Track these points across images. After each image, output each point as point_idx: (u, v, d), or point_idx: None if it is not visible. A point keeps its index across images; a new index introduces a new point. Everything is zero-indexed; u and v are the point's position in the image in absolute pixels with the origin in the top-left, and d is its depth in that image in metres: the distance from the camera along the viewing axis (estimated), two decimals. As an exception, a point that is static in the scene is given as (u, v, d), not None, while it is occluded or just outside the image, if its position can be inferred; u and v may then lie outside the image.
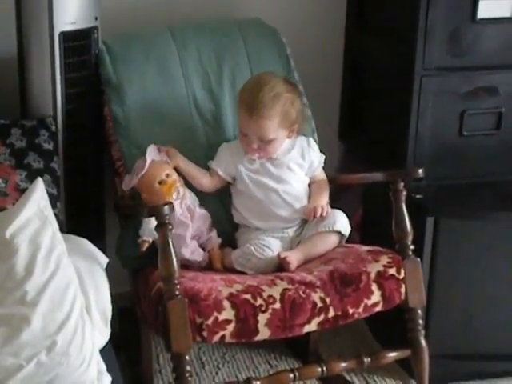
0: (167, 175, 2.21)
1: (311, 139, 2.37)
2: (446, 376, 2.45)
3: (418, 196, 2.37)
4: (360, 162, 2.68)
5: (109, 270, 2.10)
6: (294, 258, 2.17)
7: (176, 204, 2.13)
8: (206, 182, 2.31)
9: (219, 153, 2.33)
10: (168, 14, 2.58)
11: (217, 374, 2.51)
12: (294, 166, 2.29)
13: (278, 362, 2.58)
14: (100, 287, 1.97)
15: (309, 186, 2.33)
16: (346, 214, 2.29)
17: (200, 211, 2.25)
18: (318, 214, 2.23)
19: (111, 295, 2.00)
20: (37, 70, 2.32)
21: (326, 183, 2.35)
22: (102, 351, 1.88)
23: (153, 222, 2.04)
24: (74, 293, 1.80)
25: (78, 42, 2.31)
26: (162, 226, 1.97)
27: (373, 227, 2.67)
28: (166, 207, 1.97)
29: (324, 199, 2.30)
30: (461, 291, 2.43)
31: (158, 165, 2.22)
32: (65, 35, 2.27)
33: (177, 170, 2.26)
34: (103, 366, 1.84)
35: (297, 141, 2.32)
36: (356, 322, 2.43)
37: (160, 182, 2.19)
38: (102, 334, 1.91)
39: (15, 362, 1.67)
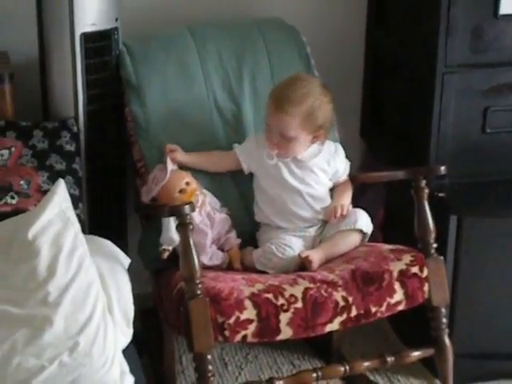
0: (187, 183, 2.21)
1: (339, 145, 2.35)
2: (470, 375, 2.43)
3: (440, 194, 2.35)
4: (381, 160, 2.66)
5: (131, 270, 2.10)
6: (315, 257, 2.16)
7: (195, 212, 2.13)
8: (218, 160, 2.31)
9: (246, 141, 2.33)
10: (187, 15, 2.58)
11: (239, 374, 2.51)
12: (319, 171, 2.28)
13: (300, 361, 2.57)
14: (122, 288, 1.97)
15: (332, 188, 2.32)
16: (369, 213, 2.28)
17: (220, 216, 2.25)
18: (338, 214, 2.22)
19: (133, 296, 2.00)
20: (58, 71, 2.33)
21: (349, 184, 2.33)
22: (125, 352, 1.88)
23: (172, 228, 2.05)
24: (96, 293, 1.81)
25: (98, 43, 2.32)
26: (183, 226, 1.98)
27: (395, 226, 2.66)
28: (187, 206, 1.97)
29: (346, 199, 2.29)
30: (485, 290, 2.41)
31: (177, 174, 2.22)
32: (86, 36, 2.28)
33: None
34: (126, 367, 1.84)
35: (324, 146, 2.30)
36: (379, 321, 2.42)
37: (180, 191, 2.19)
38: (124, 334, 1.92)
39: (38, 362, 1.68)
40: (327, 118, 2.25)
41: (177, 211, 1.98)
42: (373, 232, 2.29)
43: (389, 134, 2.68)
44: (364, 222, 2.24)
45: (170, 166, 2.22)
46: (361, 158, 2.85)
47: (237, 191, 2.35)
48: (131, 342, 1.95)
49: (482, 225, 2.35)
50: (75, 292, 1.76)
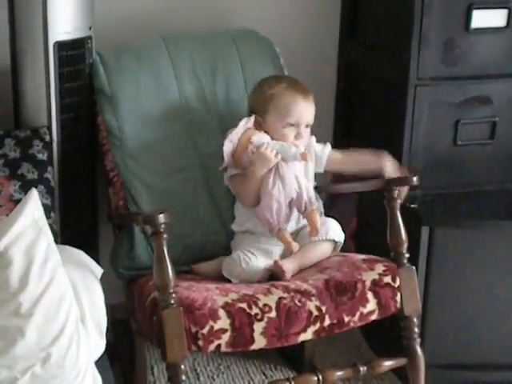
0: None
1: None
2: (442, 386, 2.45)
3: (412, 205, 2.37)
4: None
5: (103, 280, 2.09)
6: (290, 267, 2.16)
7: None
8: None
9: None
10: (162, 25, 2.58)
11: (211, 384, 2.51)
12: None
13: (273, 372, 2.57)
14: (95, 298, 1.96)
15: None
16: (341, 222, 2.29)
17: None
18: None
19: (106, 306, 1.99)
20: (31, 79, 2.31)
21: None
22: (97, 363, 1.87)
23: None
24: (68, 304, 1.79)
25: (72, 52, 2.31)
26: (157, 235, 1.97)
27: (368, 235, 2.67)
28: (162, 216, 1.96)
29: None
30: (456, 301, 2.43)
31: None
32: (59, 45, 2.27)
33: None
34: (98, 378, 1.83)
35: None
36: (351, 331, 2.43)
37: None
38: (97, 345, 1.90)
39: (10, 374, 1.66)
40: None
41: (151, 221, 1.97)
42: (345, 242, 2.30)
43: (362, 145, 2.69)
44: (336, 231, 2.26)
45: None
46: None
47: (211, 201, 2.35)
48: (104, 352, 1.94)
49: (453, 236, 2.37)
50: (48, 303, 1.75)
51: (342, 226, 2.30)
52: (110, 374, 1.93)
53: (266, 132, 2.28)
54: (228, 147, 2.24)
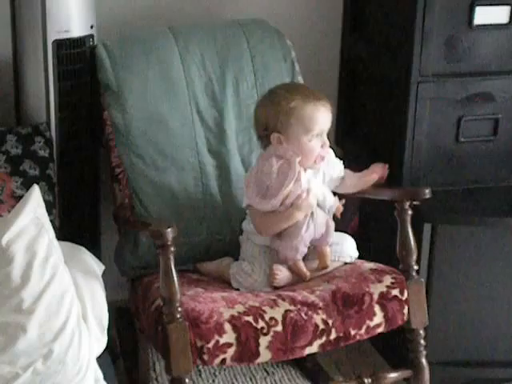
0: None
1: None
2: (446, 383, 2.44)
3: (414, 203, 2.36)
4: (356, 169, 2.67)
5: (105, 276, 2.09)
6: (281, 275, 2.13)
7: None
8: None
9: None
10: (169, 16, 2.54)
11: (213, 381, 2.50)
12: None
13: (274, 369, 2.56)
14: (96, 295, 1.96)
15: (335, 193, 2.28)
16: (343, 222, 2.28)
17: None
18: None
19: (107, 302, 1.99)
20: (31, 77, 2.31)
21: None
22: (99, 359, 1.87)
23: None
24: (70, 300, 1.79)
25: (72, 50, 2.29)
26: (164, 249, 1.94)
27: (369, 235, 2.67)
28: (170, 230, 1.93)
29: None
30: (458, 298, 2.42)
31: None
32: (58, 44, 2.26)
33: None
34: (100, 374, 1.83)
35: None
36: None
37: None
38: (98, 341, 1.91)
39: (11, 370, 1.67)
40: None
41: (159, 235, 1.94)
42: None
43: (364, 142, 2.70)
44: (349, 252, 2.22)
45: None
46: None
47: (218, 200, 2.32)
48: (105, 349, 1.94)
49: (455, 233, 2.37)
50: (49, 299, 1.75)
51: (343, 225, 2.28)
52: (111, 370, 1.94)
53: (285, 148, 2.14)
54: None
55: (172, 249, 1.93)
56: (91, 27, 2.34)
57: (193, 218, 2.28)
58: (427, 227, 2.35)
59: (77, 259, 2.03)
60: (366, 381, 2.11)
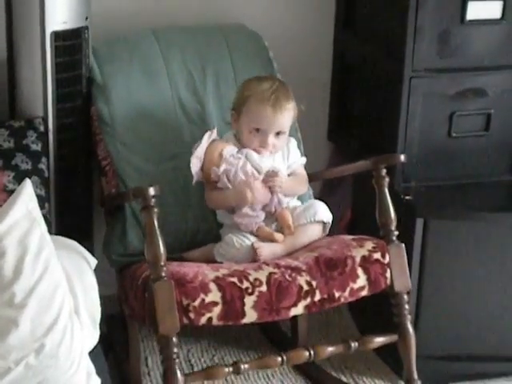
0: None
1: (293, 139, 2.37)
2: (436, 377, 2.45)
3: (407, 197, 2.38)
4: (349, 163, 2.67)
5: (97, 272, 2.08)
6: (266, 250, 2.17)
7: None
8: None
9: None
10: (153, 19, 2.58)
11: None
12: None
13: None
14: (89, 289, 1.96)
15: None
16: (335, 214, 2.30)
17: None
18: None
19: (100, 297, 1.98)
20: (27, 69, 2.31)
21: (303, 178, 2.35)
22: (91, 353, 1.87)
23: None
24: (62, 295, 1.79)
25: (69, 42, 2.30)
26: (147, 209, 1.98)
27: (362, 227, 2.66)
28: (151, 189, 1.97)
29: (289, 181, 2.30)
30: (450, 292, 2.43)
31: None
32: (56, 34, 2.26)
33: None
34: (92, 369, 1.83)
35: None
36: (339, 312, 2.56)
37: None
38: (91, 336, 1.90)
39: (3, 364, 1.66)
40: None
41: (141, 193, 1.99)
42: (340, 233, 2.30)
43: (356, 137, 2.70)
44: (323, 213, 2.26)
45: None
46: (328, 161, 2.86)
47: (203, 189, 2.34)
48: (97, 343, 1.94)
49: (447, 227, 2.37)
50: (41, 293, 1.74)
51: (336, 218, 2.31)
52: (103, 365, 1.94)
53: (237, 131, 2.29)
54: (195, 164, 2.24)
55: (155, 210, 1.98)
56: (86, 19, 2.34)
57: (179, 206, 2.33)
58: (419, 222, 2.35)
59: (69, 254, 2.02)
60: (352, 344, 2.14)
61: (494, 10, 2.37)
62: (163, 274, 1.96)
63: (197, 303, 1.96)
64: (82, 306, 1.89)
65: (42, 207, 2.00)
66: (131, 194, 2.07)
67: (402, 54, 2.34)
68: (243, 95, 2.28)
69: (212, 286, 1.98)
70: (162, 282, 1.95)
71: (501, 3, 2.37)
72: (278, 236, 2.22)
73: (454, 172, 2.48)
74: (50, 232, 1.93)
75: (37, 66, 2.28)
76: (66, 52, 2.29)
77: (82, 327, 1.85)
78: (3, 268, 1.73)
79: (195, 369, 2.52)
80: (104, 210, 2.42)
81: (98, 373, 1.83)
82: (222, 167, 2.23)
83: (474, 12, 2.34)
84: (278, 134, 2.26)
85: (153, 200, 1.98)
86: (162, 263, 1.97)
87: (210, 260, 2.22)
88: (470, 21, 2.35)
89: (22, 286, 1.73)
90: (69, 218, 2.39)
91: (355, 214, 2.75)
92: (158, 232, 1.97)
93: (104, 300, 2.01)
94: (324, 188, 2.83)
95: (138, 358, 2.35)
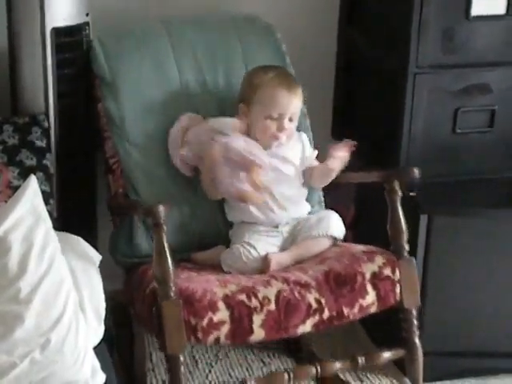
0: None
1: (304, 134, 2.36)
2: (440, 373, 2.45)
3: (411, 194, 2.37)
4: (353, 160, 2.67)
5: (102, 267, 2.09)
6: (275, 259, 2.15)
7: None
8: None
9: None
10: (161, 10, 2.56)
11: (210, 372, 2.51)
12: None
13: (271, 359, 2.57)
14: (93, 284, 1.97)
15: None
16: (339, 212, 2.29)
17: None
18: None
19: (104, 292, 1.99)
20: (28, 66, 2.30)
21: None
22: (96, 349, 1.87)
23: None
24: (67, 290, 1.80)
25: (69, 38, 2.30)
26: (157, 227, 1.96)
27: (366, 225, 2.67)
28: (162, 208, 1.95)
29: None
30: (454, 288, 2.43)
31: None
32: (56, 31, 2.26)
33: None
34: (97, 364, 1.83)
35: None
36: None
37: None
38: (95, 331, 1.91)
39: (9, 359, 1.67)
40: None
41: (151, 212, 1.97)
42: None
43: (360, 133, 2.68)
44: (337, 227, 2.24)
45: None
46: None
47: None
48: (102, 339, 1.94)
49: (452, 224, 2.37)
50: (46, 289, 1.75)
51: (339, 215, 2.29)
52: (108, 361, 1.94)
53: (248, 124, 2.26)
54: (175, 159, 2.26)
55: (164, 228, 1.96)
56: (86, 15, 2.34)
57: (187, 207, 2.30)
58: (423, 218, 2.35)
59: (74, 249, 2.03)
60: (359, 360, 2.12)
61: (498, 6, 2.37)
62: (172, 294, 1.94)
63: (205, 322, 1.93)
64: (86, 302, 1.89)
65: (46, 203, 2.00)
66: (141, 212, 2.06)
67: (406, 50, 2.34)
68: (252, 85, 2.26)
69: (220, 304, 1.96)
70: (170, 302, 1.93)
71: (505, -1, 2.37)
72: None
73: (459, 168, 2.48)
74: (55, 228, 1.93)
75: (37, 63, 2.28)
76: (67, 48, 2.29)
77: (87, 322, 1.86)
78: (8, 264, 1.74)
79: (199, 365, 2.52)
80: (110, 210, 2.39)
81: (103, 368, 1.84)
82: (185, 149, 2.23)
83: (478, 8, 2.34)
84: (290, 119, 2.24)
85: (162, 218, 1.95)
86: (171, 283, 1.94)
87: (219, 263, 2.20)
88: (475, 17, 2.35)
89: (28, 282, 1.73)
90: (73, 213, 2.39)
91: (359, 211, 2.75)
92: (167, 251, 1.95)
93: (109, 295, 2.02)
94: (328, 184, 2.82)
95: (143, 354, 2.36)
